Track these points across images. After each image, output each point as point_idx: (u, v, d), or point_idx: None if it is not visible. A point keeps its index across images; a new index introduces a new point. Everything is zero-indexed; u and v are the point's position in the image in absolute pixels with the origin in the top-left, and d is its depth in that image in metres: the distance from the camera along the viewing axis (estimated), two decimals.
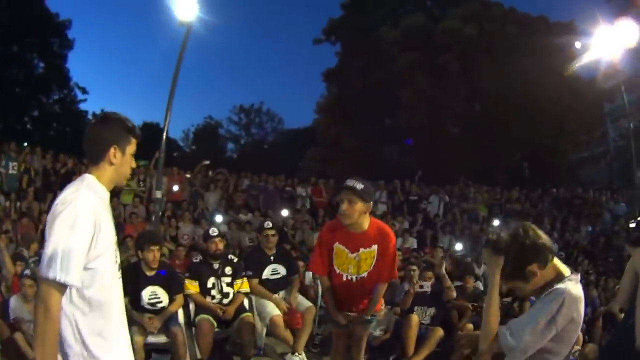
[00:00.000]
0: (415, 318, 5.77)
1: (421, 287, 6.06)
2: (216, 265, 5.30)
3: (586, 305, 7.03)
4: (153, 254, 4.78)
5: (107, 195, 2.07)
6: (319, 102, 29.54)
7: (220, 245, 5.32)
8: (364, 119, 24.85)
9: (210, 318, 5.02)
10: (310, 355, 5.63)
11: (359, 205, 3.52)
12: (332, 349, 4.14)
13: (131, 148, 2.13)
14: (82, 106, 30.41)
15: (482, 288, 7.30)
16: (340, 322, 3.87)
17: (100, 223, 1.93)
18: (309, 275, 6.63)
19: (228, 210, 12.21)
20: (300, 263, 6.72)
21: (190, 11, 9.08)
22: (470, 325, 6.27)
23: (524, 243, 2.13)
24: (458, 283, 7.45)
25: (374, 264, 3.72)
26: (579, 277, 2.22)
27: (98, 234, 1.92)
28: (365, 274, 3.74)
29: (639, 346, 2.06)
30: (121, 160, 2.08)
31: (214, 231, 5.39)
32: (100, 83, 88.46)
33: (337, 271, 3.79)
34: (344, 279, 3.78)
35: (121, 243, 9.26)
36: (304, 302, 5.63)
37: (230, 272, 5.32)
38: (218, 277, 5.27)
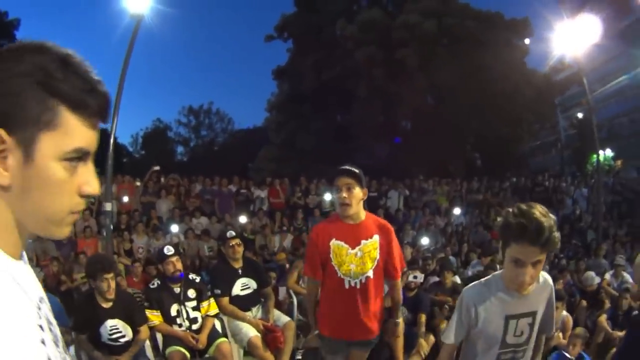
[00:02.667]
0: (400, 324, 5.42)
1: (415, 277, 5.57)
2: (177, 290, 4.66)
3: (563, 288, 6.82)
4: (107, 283, 4.10)
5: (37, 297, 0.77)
6: (269, 100, 29.14)
7: (179, 265, 4.63)
8: (317, 116, 24.50)
9: (182, 349, 4.43)
10: None
11: (357, 191, 3.19)
12: None
13: (61, 140, 0.73)
14: None
15: (459, 281, 7.08)
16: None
17: None
18: (282, 290, 6.12)
19: (182, 217, 11.55)
20: (272, 274, 6.24)
21: (142, 3, 8.72)
22: (446, 323, 5.99)
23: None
24: (436, 279, 7.24)
25: (377, 257, 3.25)
26: None
27: None
28: (370, 273, 3.23)
29: None
30: (23, 173, 0.72)
31: (169, 250, 4.67)
32: None
33: (339, 275, 3.23)
34: (347, 285, 3.23)
35: (74, 260, 8.51)
36: (281, 317, 5.16)
37: (194, 295, 4.71)
38: (181, 303, 4.65)
